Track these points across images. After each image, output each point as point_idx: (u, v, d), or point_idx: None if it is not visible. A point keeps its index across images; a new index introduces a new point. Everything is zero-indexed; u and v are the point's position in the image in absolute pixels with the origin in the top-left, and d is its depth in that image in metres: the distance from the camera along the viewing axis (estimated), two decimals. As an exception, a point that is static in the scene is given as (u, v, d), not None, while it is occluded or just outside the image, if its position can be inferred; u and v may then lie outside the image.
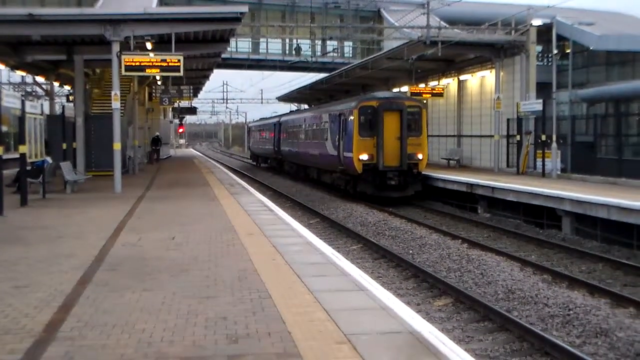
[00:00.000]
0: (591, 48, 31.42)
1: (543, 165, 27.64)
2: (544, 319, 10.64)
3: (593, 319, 10.29)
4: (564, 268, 14.85)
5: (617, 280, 13.80)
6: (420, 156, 26.65)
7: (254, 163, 62.32)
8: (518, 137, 30.01)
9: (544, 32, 30.29)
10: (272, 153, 49.17)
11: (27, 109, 19.26)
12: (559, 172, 27.43)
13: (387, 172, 26.18)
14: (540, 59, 34.26)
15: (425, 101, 33.24)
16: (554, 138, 27.57)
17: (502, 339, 9.84)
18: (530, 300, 11.60)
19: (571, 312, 10.71)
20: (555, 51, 29.26)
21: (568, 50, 32.58)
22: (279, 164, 47.71)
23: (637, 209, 16.42)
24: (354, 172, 26.92)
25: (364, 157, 26.30)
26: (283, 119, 45.97)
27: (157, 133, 47.41)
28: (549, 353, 8.99)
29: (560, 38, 30.57)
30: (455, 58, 35.69)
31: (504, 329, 10.20)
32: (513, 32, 30.75)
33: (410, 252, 16.74)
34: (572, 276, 13.67)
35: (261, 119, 63.89)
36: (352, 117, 26.95)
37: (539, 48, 33.59)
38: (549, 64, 31.69)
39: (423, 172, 27.17)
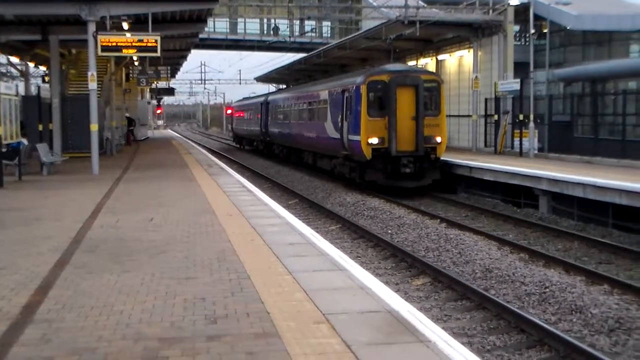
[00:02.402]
0: (568, 28, 31.55)
1: (520, 144, 27.81)
2: (521, 297, 10.76)
3: (568, 296, 10.42)
4: (540, 247, 15.00)
5: (592, 258, 13.96)
6: (438, 139, 23.33)
7: (238, 145, 57.87)
8: (496, 117, 30.15)
9: (521, 12, 30.35)
10: (258, 135, 45.21)
11: (2, 89, 19.07)
12: (536, 152, 27.61)
13: (401, 158, 22.73)
14: (517, 39, 34.33)
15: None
16: (532, 117, 27.71)
17: (480, 317, 9.95)
18: (508, 278, 11.72)
19: (547, 290, 10.83)
20: (532, 31, 29.35)
21: (545, 30, 32.66)
22: (266, 147, 43.97)
23: (611, 188, 16.61)
24: (361, 158, 23.34)
25: (374, 140, 22.78)
26: (271, 97, 42.48)
27: (127, 114, 46.82)
28: (525, 330, 9.11)
29: (537, 18, 30.64)
30: (433, 38, 35.71)
31: (482, 307, 10.30)
32: (491, 11, 30.79)
33: (389, 231, 16.81)
34: (549, 254, 13.83)
35: (244, 98, 60.19)
36: (358, 94, 23.34)
37: (517, 28, 33.64)
38: (527, 43, 31.78)
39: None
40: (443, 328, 6.96)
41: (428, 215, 19.00)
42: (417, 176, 23.07)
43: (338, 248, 10.87)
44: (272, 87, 70.92)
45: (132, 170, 23.45)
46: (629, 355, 8.32)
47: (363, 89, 23.20)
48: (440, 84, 24.12)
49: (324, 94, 28.19)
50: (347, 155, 24.78)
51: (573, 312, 9.82)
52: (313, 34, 52.08)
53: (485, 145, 31.41)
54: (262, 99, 45.19)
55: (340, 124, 25.23)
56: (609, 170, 20.44)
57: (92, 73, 21.94)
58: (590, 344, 8.61)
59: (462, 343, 6.67)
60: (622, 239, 15.56)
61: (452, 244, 14.63)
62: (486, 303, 10.31)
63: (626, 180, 16.88)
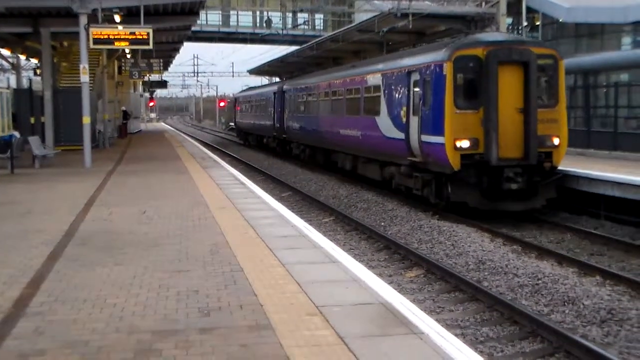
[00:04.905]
0: (560, 20, 31.58)
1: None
2: (514, 288, 10.78)
3: (561, 287, 10.45)
4: (533, 239, 15.02)
5: (584, 250, 13.99)
6: (556, 141, 16.72)
7: (242, 142, 51.31)
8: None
9: (514, 4, 30.33)
10: (270, 130, 38.34)
11: (-7, 82, 18.95)
12: (528, 144, 27.58)
13: (504, 168, 16.04)
14: (510, 31, 34.35)
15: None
16: (524, 110, 27.69)
17: (473, 309, 9.97)
18: (500, 270, 11.75)
19: (540, 281, 10.86)
20: (525, 23, 29.38)
21: (538, 23, 32.70)
22: (281, 145, 36.80)
23: (604, 180, 16.64)
24: (443, 169, 16.56)
25: (464, 143, 16.11)
26: (288, 85, 35.75)
27: (123, 107, 46.84)
28: (518, 322, 9.13)
29: (530, 10, 30.66)
30: (426, 30, 35.63)
31: (475, 299, 10.32)
32: (483, 4, 30.75)
33: (382, 224, 16.82)
34: (541, 246, 13.86)
35: (250, 88, 53.76)
36: (440, 77, 16.52)
37: (509, 20, 33.65)
38: (519, 35, 31.80)
39: None
40: (436, 320, 6.97)
41: (421, 207, 18.99)
42: (527, 194, 16.49)
43: (331, 240, 10.86)
44: (264, 80, 70.69)
45: (125, 163, 23.39)
46: (621, 346, 8.35)
47: (447, 69, 16.28)
48: (559, 60, 17.38)
49: (376, 79, 21.24)
50: (415, 163, 18.12)
51: (565, 304, 9.86)
52: (306, 27, 51.96)
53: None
54: (275, 87, 38.79)
55: (405, 119, 18.57)
56: (601, 162, 20.47)
57: (84, 66, 21.87)
58: (583, 335, 8.65)
59: (455, 335, 6.69)
60: (614, 230, 15.59)
61: (445, 236, 14.65)
62: (479, 295, 10.33)
63: (618, 172, 16.91)
